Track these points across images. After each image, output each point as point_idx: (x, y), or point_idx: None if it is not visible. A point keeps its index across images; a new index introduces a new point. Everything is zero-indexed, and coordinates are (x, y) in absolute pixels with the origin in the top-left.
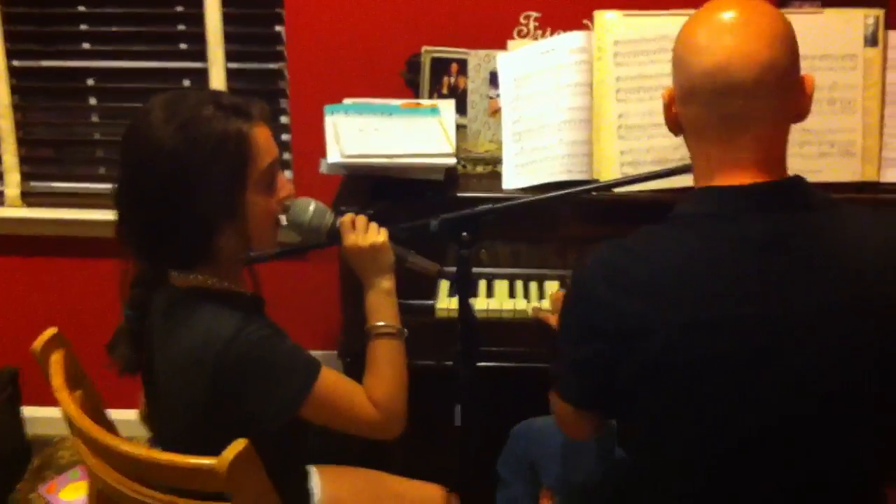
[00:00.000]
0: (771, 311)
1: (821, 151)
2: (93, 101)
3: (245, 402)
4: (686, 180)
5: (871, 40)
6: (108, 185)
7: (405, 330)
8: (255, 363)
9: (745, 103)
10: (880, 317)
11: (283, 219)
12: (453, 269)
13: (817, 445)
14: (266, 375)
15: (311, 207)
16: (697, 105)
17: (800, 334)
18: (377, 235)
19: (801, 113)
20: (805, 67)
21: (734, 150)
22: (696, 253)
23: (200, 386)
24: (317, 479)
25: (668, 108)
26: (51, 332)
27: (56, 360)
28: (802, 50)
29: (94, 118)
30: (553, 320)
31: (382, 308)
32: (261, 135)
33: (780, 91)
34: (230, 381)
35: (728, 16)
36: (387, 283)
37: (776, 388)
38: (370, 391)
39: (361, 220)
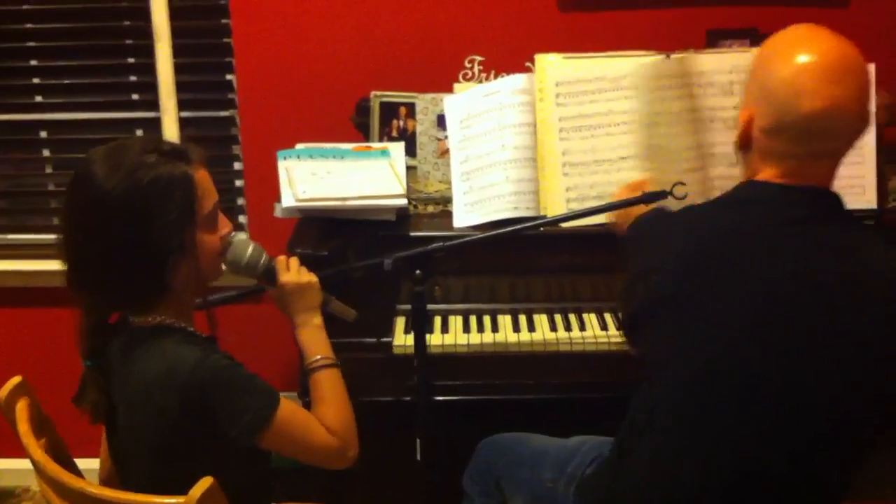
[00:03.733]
0: (757, 286)
1: None
2: (46, 152)
3: (213, 422)
4: None
5: None
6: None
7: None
8: (221, 385)
9: (831, 145)
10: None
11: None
12: (408, 306)
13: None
14: (233, 395)
15: (250, 249)
16: (785, 139)
17: (775, 315)
18: (309, 275)
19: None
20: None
21: (799, 174)
22: (718, 222)
23: (168, 411)
24: None
25: (746, 128)
26: (15, 380)
27: (21, 408)
28: (735, 86)
29: (48, 169)
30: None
31: (318, 342)
32: (203, 177)
33: (859, 130)
34: (198, 402)
35: (829, 59)
36: (317, 319)
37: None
38: (324, 419)
39: (295, 260)
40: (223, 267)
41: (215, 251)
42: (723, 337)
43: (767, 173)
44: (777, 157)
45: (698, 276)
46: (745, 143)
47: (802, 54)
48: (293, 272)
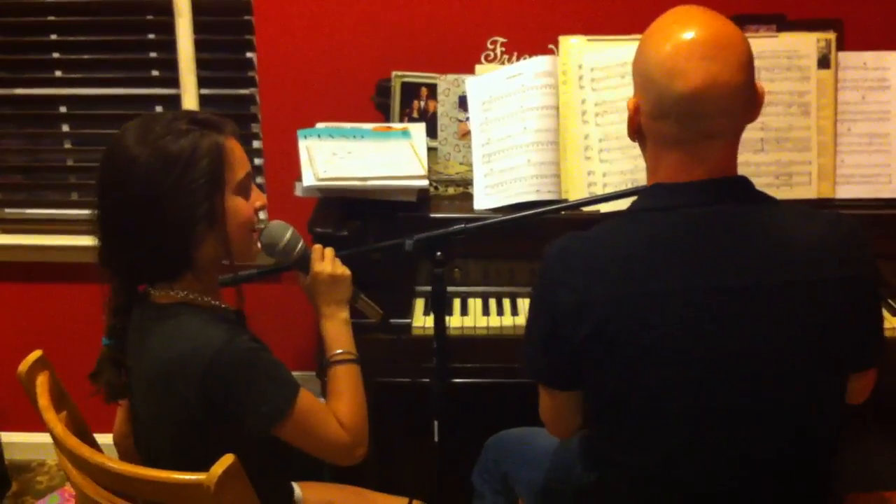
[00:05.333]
0: (700, 285)
1: (779, 172)
2: (65, 127)
3: (233, 408)
4: None
5: (824, 63)
6: (82, 211)
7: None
8: (244, 371)
9: (719, 122)
10: (806, 298)
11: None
12: (427, 288)
13: (747, 404)
14: (255, 382)
15: (289, 233)
16: (671, 122)
17: (727, 308)
18: (343, 268)
19: (753, 119)
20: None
21: (698, 158)
22: (640, 236)
23: (188, 393)
24: (300, 496)
25: (632, 117)
26: (36, 354)
27: (41, 382)
28: (759, 73)
29: (67, 144)
30: None
31: (343, 336)
32: (235, 147)
33: (746, 107)
34: (219, 386)
35: (701, 37)
36: (344, 313)
37: (706, 355)
38: (338, 414)
39: (330, 251)
40: (257, 245)
41: (247, 220)
42: (675, 360)
43: (668, 165)
44: (671, 141)
45: (638, 306)
46: (634, 131)
47: (675, 35)
48: (327, 262)
